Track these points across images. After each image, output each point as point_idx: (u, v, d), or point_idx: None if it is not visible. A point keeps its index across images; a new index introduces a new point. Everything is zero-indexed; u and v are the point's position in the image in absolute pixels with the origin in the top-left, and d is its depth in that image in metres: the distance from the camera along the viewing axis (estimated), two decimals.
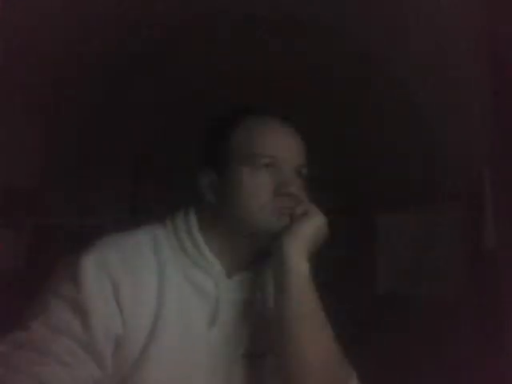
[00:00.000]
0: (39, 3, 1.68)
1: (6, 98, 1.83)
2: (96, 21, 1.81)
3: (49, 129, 2.23)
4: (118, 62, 1.99)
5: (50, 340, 0.63)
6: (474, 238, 1.59)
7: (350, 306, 1.72)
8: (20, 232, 2.25)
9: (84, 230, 2.20)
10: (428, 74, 1.70)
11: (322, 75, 1.91)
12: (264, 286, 0.83)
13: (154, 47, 1.94)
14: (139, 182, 2.39)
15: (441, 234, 1.83)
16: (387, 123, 1.88)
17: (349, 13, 1.71)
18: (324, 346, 0.71)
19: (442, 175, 1.77)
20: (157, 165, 2.33)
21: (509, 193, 1.28)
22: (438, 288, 1.80)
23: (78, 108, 2.20)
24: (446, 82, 1.67)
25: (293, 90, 1.79)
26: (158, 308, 0.72)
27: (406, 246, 1.95)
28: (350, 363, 0.76)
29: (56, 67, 1.98)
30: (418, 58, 1.71)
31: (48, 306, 0.66)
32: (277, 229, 0.75)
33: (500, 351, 1.28)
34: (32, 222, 2.29)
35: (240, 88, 1.70)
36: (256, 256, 0.81)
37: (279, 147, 0.77)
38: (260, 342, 0.79)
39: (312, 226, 0.76)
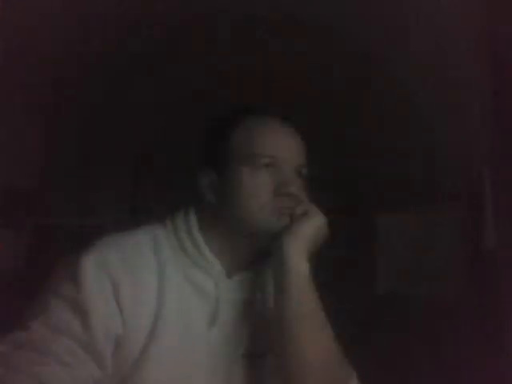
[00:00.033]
0: (39, 3, 1.68)
1: (6, 98, 1.83)
2: (96, 21, 1.81)
3: (49, 129, 2.23)
4: (118, 61, 1.99)
5: (50, 340, 0.63)
6: (473, 238, 1.59)
7: (349, 306, 1.72)
8: (20, 232, 2.25)
9: (84, 230, 2.20)
10: (428, 73, 1.70)
11: (321, 75, 1.91)
12: (264, 286, 0.83)
13: (153, 47, 1.94)
14: (139, 181, 2.39)
15: (441, 234, 1.83)
16: (387, 123, 1.88)
17: (349, 13, 1.71)
18: (324, 346, 0.71)
19: (442, 175, 1.77)
20: (157, 165, 2.33)
21: (509, 193, 1.28)
22: (437, 288, 1.80)
23: (78, 108, 2.20)
24: (445, 82, 1.67)
25: (293, 90, 1.79)
26: (158, 308, 0.72)
27: (406, 246, 1.95)
28: (350, 363, 0.76)
29: (56, 67, 1.98)
30: (417, 58, 1.71)
31: (48, 306, 0.66)
32: (277, 229, 0.75)
33: (500, 351, 1.28)
34: (32, 222, 2.28)
35: (240, 88, 1.70)
36: (256, 256, 0.81)
37: (279, 147, 0.77)
38: (260, 342, 0.79)
39: (312, 226, 0.76)
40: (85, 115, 2.19)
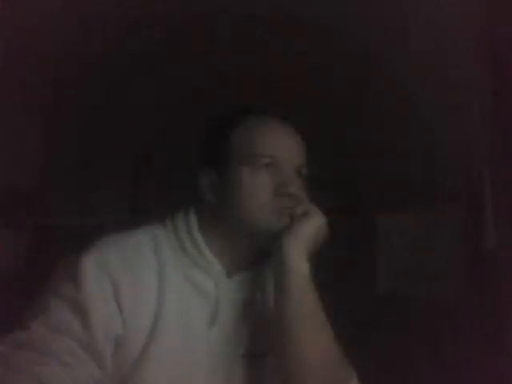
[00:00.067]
0: (39, 3, 1.68)
1: (6, 97, 1.83)
2: (96, 21, 1.81)
3: (49, 129, 2.23)
4: (118, 61, 1.99)
5: (50, 340, 0.63)
6: (473, 237, 1.59)
7: (349, 306, 1.72)
8: (20, 232, 2.25)
9: (84, 230, 2.20)
10: (428, 73, 1.70)
11: (321, 75, 1.91)
12: (264, 286, 0.83)
13: (153, 47, 1.94)
14: (139, 181, 2.39)
15: (441, 234, 1.83)
16: (387, 123, 1.88)
17: (349, 13, 1.71)
18: (324, 346, 0.71)
19: (442, 175, 1.77)
20: (157, 165, 2.33)
21: (509, 193, 1.28)
22: (437, 288, 1.80)
23: (78, 108, 2.20)
24: (445, 82, 1.67)
25: (293, 90, 1.79)
26: (158, 308, 0.72)
27: (406, 246, 1.95)
28: (350, 363, 0.76)
29: (56, 67, 1.98)
30: (418, 58, 1.71)
31: (48, 306, 0.66)
32: (277, 229, 0.75)
33: (500, 351, 1.28)
34: (32, 222, 2.28)
35: (240, 88, 1.70)
36: (256, 256, 0.81)
37: (279, 147, 0.77)
38: (260, 342, 0.79)
39: (312, 226, 0.76)
40: (85, 115, 2.19)
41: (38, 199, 2.29)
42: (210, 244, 0.77)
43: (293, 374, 0.69)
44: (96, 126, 2.20)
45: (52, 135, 2.22)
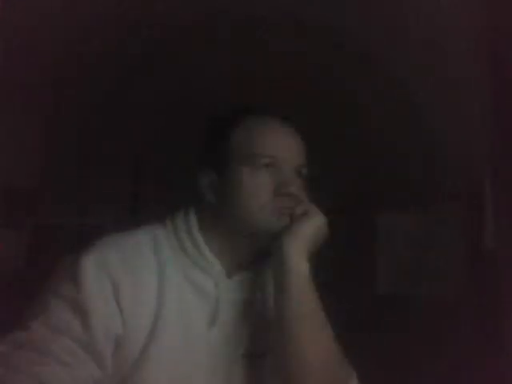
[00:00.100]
0: (39, 3, 1.69)
1: (6, 98, 1.83)
2: (96, 21, 1.81)
3: (49, 129, 2.23)
4: (118, 61, 1.99)
5: (50, 340, 0.63)
6: (473, 238, 1.59)
7: (349, 306, 1.72)
8: (20, 232, 2.25)
9: (84, 230, 2.20)
10: (428, 74, 1.70)
11: (321, 75, 1.91)
12: (264, 286, 0.83)
13: (153, 47, 1.94)
14: (139, 181, 2.39)
15: (441, 234, 1.84)
16: (387, 123, 1.88)
17: (349, 13, 1.71)
18: (324, 346, 0.71)
19: (442, 175, 1.77)
20: (157, 165, 2.33)
21: (509, 193, 1.28)
22: (438, 288, 1.81)
23: (78, 108, 2.20)
24: (445, 82, 1.67)
25: (293, 90, 1.79)
26: (158, 308, 0.72)
27: (406, 246, 1.95)
28: (350, 363, 0.76)
29: (56, 67, 1.98)
30: (417, 58, 1.72)
31: (48, 306, 0.66)
32: (277, 229, 0.75)
33: (500, 351, 1.28)
34: (32, 222, 2.29)
35: (240, 88, 1.70)
36: (256, 256, 0.81)
37: (279, 147, 0.77)
38: (260, 342, 0.79)
39: (312, 226, 0.76)
40: (85, 115, 2.19)
41: (38, 199, 2.29)
42: (209, 244, 0.77)
43: (293, 374, 0.69)
44: (96, 126, 2.20)
45: (52, 135, 2.22)
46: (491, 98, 1.36)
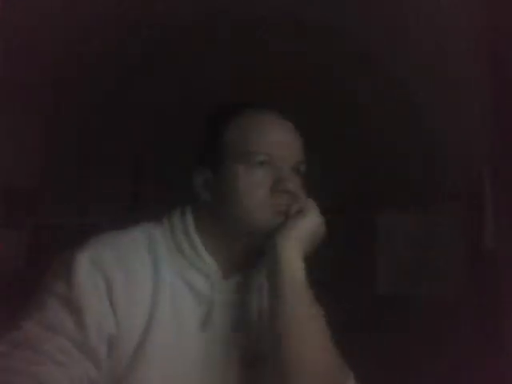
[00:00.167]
0: (39, 3, 1.69)
1: (6, 98, 1.83)
2: (96, 21, 1.81)
3: (49, 129, 2.23)
4: (118, 61, 1.99)
5: (45, 339, 0.63)
6: (474, 238, 1.59)
7: (349, 306, 1.72)
8: (20, 232, 2.25)
9: (84, 230, 2.20)
10: (428, 74, 1.70)
11: (321, 75, 1.91)
12: (260, 287, 0.82)
13: (153, 47, 1.94)
14: (139, 181, 2.39)
15: (441, 234, 1.84)
16: (387, 123, 1.88)
17: (349, 13, 1.71)
18: (320, 347, 0.70)
19: (442, 175, 1.77)
20: (157, 165, 2.33)
21: (509, 193, 1.28)
22: (438, 288, 1.81)
23: (78, 108, 2.20)
24: (446, 82, 1.67)
25: (293, 90, 1.78)
26: (152, 307, 0.71)
27: (406, 246, 1.95)
28: (349, 363, 0.75)
29: (56, 67, 1.98)
30: (418, 58, 1.72)
31: (43, 305, 0.65)
32: (273, 227, 0.74)
33: (500, 351, 1.28)
34: (32, 222, 2.29)
35: (240, 88, 1.70)
36: (252, 257, 0.80)
37: (275, 144, 0.76)
38: (256, 344, 0.78)
39: (307, 225, 0.75)
40: (85, 115, 2.19)
41: (38, 199, 2.30)
42: (206, 244, 0.76)
43: (289, 376, 0.68)
44: (96, 126, 2.20)
45: (52, 135, 2.22)
46: (491, 98, 1.36)
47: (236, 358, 0.77)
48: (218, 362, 0.75)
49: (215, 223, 0.77)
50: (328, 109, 1.96)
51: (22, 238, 2.24)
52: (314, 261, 0.76)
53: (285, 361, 0.68)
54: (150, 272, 0.73)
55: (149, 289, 0.72)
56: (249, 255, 0.79)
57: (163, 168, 2.28)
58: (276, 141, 0.76)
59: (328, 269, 1.50)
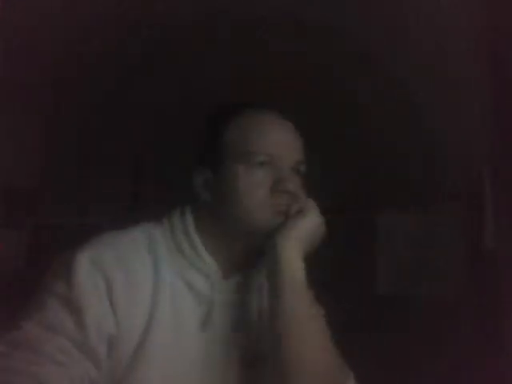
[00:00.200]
0: (39, 3, 1.69)
1: (6, 98, 1.83)
2: (96, 21, 1.81)
3: (49, 129, 2.23)
4: (118, 61, 1.99)
5: (45, 339, 0.63)
6: (474, 237, 1.59)
7: (349, 306, 1.72)
8: (20, 232, 2.25)
9: (84, 230, 2.20)
10: (428, 74, 1.70)
11: (321, 75, 1.91)
12: (260, 287, 0.82)
13: (153, 47, 1.94)
14: (139, 181, 2.39)
15: (441, 234, 1.84)
16: (387, 123, 1.88)
17: (349, 13, 1.71)
18: (320, 347, 0.70)
19: (442, 175, 1.77)
20: (157, 165, 2.33)
21: (509, 193, 1.28)
22: (437, 288, 1.81)
23: (78, 108, 2.20)
24: (446, 82, 1.67)
25: (293, 90, 1.78)
26: (152, 307, 0.71)
27: (406, 246, 1.95)
28: (349, 363, 0.75)
29: (56, 67, 1.98)
30: (418, 58, 1.72)
31: (43, 305, 0.65)
32: (273, 227, 0.74)
33: (500, 351, 1.28)
34: (32, 222, 2.29)
35: (240, 88, 1.70)
36: (252, 257, 0.80)
37: (275, 145, 0.76)
38: (256, 344, 0.78)
39: (307, 224, 0.75)
40: (85, 115, 2.20)
41: (38, 199, 2.30)
42: (206, 244, 0.76)
43: (289, 376, 0.68)
44: (96, 126, 2.20)
45: (52, 135, 2.22)
46: (491, 98, 1.36)
47: (236, 358, 0.77)
48: (217, 362, 0.75)
49: (215, 223, 0.77)
50: (328, 109, 1.96)
51: (21, 238, 2.24)
52: (314, 261, 0.76)
53: (285, 361, 0.68)
54: (150, 272, 0.73)
55: (149, 289, 0.72)
56: (249, 255, 0.79)
57: (163, 168, 2.28)
58: (276, 141, 0.76)
59: (328, 269, 1.50)
